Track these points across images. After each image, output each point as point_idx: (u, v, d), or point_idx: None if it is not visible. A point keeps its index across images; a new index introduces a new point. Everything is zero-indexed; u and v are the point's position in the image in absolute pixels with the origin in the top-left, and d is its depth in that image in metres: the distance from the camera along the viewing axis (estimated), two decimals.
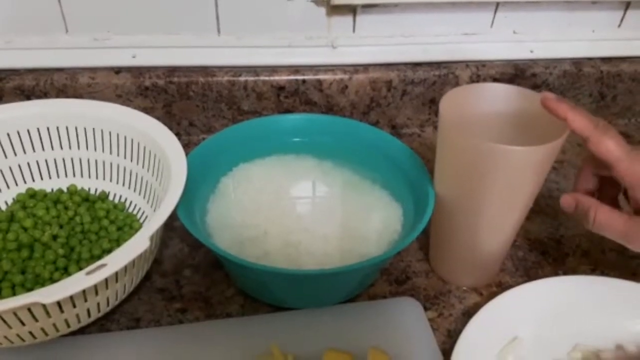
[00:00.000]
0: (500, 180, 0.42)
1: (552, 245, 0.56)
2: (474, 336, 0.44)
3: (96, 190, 0.54)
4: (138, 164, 0.52)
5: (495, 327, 0.45)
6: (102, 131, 0.52)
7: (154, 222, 0.40)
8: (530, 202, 0.45)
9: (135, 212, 0.53)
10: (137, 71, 0.64)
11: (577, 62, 0.71)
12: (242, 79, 0.64)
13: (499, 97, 0.48)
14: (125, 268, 0.40)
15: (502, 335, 0.45)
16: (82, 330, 0.44)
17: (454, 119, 0.44)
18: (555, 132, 0.42)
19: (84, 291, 0.38)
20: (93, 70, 0.64)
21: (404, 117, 0.71)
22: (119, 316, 0.47)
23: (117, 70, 0.64)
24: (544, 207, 0.61)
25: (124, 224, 0.51)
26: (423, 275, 0.52)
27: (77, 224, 0.50)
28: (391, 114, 0.70)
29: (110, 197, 0.54)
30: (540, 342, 0.45)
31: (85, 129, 0.52)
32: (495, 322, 0.45)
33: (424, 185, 0.48)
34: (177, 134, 0.50)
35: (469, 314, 0.48)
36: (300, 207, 0.51)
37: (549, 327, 0.46)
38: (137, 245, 0.38)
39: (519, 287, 0.47)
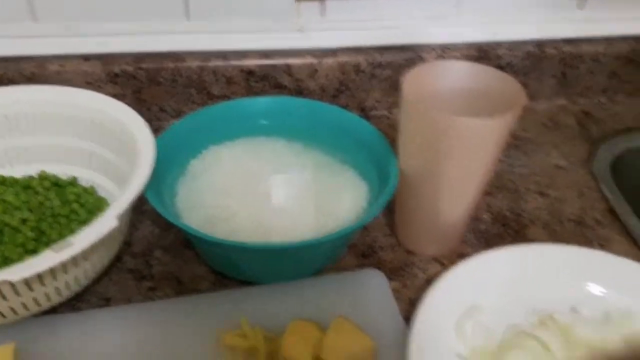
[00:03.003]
0: (459, 152, 0.44)
1: (513, 218, 0.58)
2: (434, 303, 0.46)
3: (66, 175, 0.55)
4: (107, 148, 0.52)
5: (455, 294, 0.47)
6: (70, 117, 0.53)
7: (121, 202, 0.41)
8: (488, 172, 0.47)
9: (105, 196, 0.54)
10: (107, 58, 0.64)
11: (540, 44, 0.73)
12: (211, 64, 0.65)
13: (459, 74, 0.50)
14: (93, 247, 0.41)
15: (461, 301, 0.47)
16: (53, 310, 0.45)
17: (415, 96, 0.46)
18: (510, 106, 0.44)
19: (52, 270, 0.39)
20: (62, 58, 0.64)
21: (372, 100, 0.72)
22: (89, 296, 0.48)
23: (86, 58, 0.64)
24: (506, 182, 0.63)
25: (94, 207, 0.51)
26: (389, 249, 0.54)
27: (47, 208, 0.50)
28: (360, 97, 0.72)
29: (81, 182, 0.55)
30: (499, 308, 0.48)
31: (53, 114, 0.53)
32: (455, 289, 0.47)
33: (388, 162, 0.49)
34: (148, 120, 0.50)
35: (431, 283, 0.50)
36: (270, 188, 0.52)
37: (507, 293, 0.49)
38: (104, 224, 0.39)
39: (478, 256, 0.49)
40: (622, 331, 0.45)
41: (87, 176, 0.55)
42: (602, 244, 0.56)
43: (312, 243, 0.42)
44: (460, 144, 0.44)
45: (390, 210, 0.55)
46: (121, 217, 0.40)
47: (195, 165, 0.52)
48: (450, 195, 0.48)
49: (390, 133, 0.70)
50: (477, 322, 0.46)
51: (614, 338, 0.45)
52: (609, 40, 0.74)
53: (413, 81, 0.47)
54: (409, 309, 0.48)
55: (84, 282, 0.44)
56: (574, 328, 0.45)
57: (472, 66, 0.49)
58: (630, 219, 0.59)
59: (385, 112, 0.73)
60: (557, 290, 0.49)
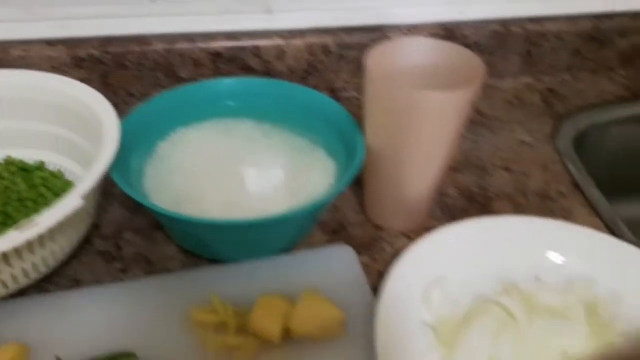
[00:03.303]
0: (422, 126, 0.45)
1: (479, 193, 0.59)
2: (402, 275, 0.47)
3: (34, 160, 0.54)
4: (74, 132, 0.52)
5: (422, 265, 0.48)
6: (37, 101, 0.52)
7: (86, 182, 0.41)
8: (452, 147, 0.48)
9: (73, 179, 0.54)
10: (72, 43, 0.64)
11: (505, 23, 0.74)
12: (178, 47, 0.65)
13: (421, 51, 0.50)
14: (60, 227, 0.41)
15: (428, 273, 0.48)
16: (22, 293, 0.45)
17: (379, 73, 0.46)
18: (472, 80, 0.45)
19: (18, 250, 0.39)
20: (26, 43, 0.63)
21: (341, 81, 0.73)
22: (59, 279, 0.48)
23: (51, 43, 0.64)
24: (472, 159, 0.64)
25: (62, 191, 0.51)
26: (358, 226, 0.55)
27: (14, 192, 0.50)
28: (329, 79, 0.72)
29: (49, 167, 0.54)
30: (465, 278, 0.49)
31: (19, 99, 0.52)
32: (422, 261, 0.48)
33: (355, 140, 0.50)
34: (116, 105, 0.50)
35: (399, 256, 0.51)
36: (239, 168, 0.52)
37: (472, 264, 0.50)
38: (69, 204, 0.39)
39: (444, 228, 0.51)
40: (583, 297, 0.47)
41: (55, 160, 0.55)
42: (566, 216, 0.57)
43: (278, 218, 0.43)
44: (423, 119, 0.45)
45: (359, 187, 0.56)
46: (86, 197, 0.40)
47: (163, 147, 0.52)
48: (415, 170, 0.49)
49: (359, 114, 0.70)
50: (444, 292, 0.47)
51: (575, 304, 0.46)
52: (572, 19, 0.75)
53: (377, 59, 0.48)
54: (377, 281, 0.49)
55: (53, 263, 0.44)
56: (537, 295, 0.47)
57: (434, 43, 0.50)
58: (593, 192, 0.60)
59: (355, 94, 0.73)
60: (521, 260, 0.50)
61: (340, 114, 0.53)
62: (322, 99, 0.55)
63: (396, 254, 0.52)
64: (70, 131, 0.52)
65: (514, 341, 0.42)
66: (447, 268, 0.49)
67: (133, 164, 0.49)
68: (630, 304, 0.47)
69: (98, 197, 0.49)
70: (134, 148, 0.49)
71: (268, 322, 0.42)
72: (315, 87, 0.71)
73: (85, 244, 0.50)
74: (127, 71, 0.65)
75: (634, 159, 0.77)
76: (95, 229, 0.52)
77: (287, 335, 0.43)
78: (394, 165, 0.49)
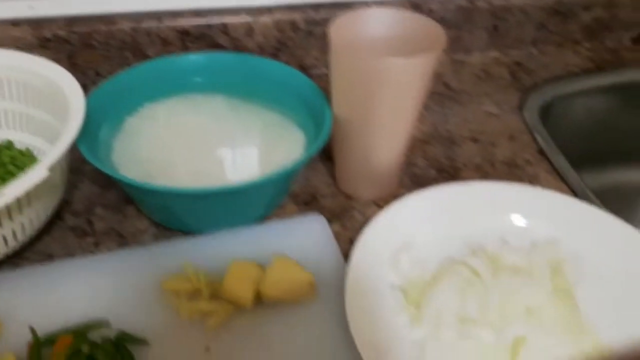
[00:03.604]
0: (386, 93, 0.46)
1: (447, 163, 0.61)
2: (371, 239, 0.48)
3: (1, 139, 0.54)
4: (42, 109, 0.52)
5: (391, 230, 0.49)
6: (3, 79, 0.52)
7: (52, 153, 0.41)
8: (415, 113, 0.49)
9: (42, 158, 0.53)
10: (36, 23, 0.63)
11: None
12: (144, 25, 0.65)
13: (384, 21, 0.51)
14: (27, 198, 0.41)
15: (397, 237, 0.49)
16: None
17: (343, 42, 0.47)
18: (434, 48, 0.46)
19: None
20: None
21: (311, 58, 0.73)
22: (31, 254, 0.48)
23: (15, 23, 0.63)
24: (441, 131, 0.65)
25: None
26: (329, 196, 0.56)
27: None
28: (299, 55, 0.72)
29: (17, 146, 0.54)
30: (433, 242, 0.50)
31: None
32: (391, 226, 0.49)
33: (323, 111, 0.51)
34: (84, 85, 0.50)
35: (369, 222, 0.52)
36: (208, 141, 0.52)
37: (440, 229, 0.51)
38: (35, 175, 0.39)
39: (412, 195, 0.52)
40: (547, 257, 0.48)
41: (23, 139, 0.54)
42: (532, 182, 0.59)
43: (248, 185, 0.43)
44: (387, 86, 0.45)
45: (329, 160, 0.57)
46: (52, 169, 0.40)
47: (131, 122, 0.52)
48: (382, 138, 0.50)
49: (330, 90, 0.72)
50: (412, 256, 0.48)
51: (539, 263, 0.48)
52: None
53: (340, 29, 0.48)
54: (348, 248, 0.50)
55: (22, 238, 0.44)
56: (502, 256, 0.48)
57: (396, 13, 0.51)
58: (558, 158, 0.62)
59: (325, 70, 0.74)
60: (487, 224, 0.52)
61: (307, 86, 0.54)
62: (289, 72, 0.55)
63: (366, 221, 0.52)
64: (36, 109, 0.52)
65: (479, 298, 0.44)
66: (416, 232, 0.50)
67: (101, 138, 0.49)
68: (593, 262, 0.49)
69: (66, 172, 0.49)
70: (101, 123, 0.49)
71: (240, 287, 0.42)
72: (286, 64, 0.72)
73: (56, 220, 0.51)
74: (94, 51, 0.65)
75: (598, 130, 0.80)
76: (66, 205, 0.52)
77: (259, 300, 0.44)
78: (361, 134, 0.50)
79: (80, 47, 0.64)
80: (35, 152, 0.54)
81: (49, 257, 0.48)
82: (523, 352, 0.41)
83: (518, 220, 0.52)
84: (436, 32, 0.48)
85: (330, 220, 0.52)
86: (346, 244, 0.51)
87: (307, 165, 0.58)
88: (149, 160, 0.49)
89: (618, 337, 0.44)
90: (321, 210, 0.54)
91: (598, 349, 0.43)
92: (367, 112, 0.48)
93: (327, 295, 0.45)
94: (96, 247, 0.49)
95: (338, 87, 0.49)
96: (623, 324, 0.45)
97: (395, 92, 0.46)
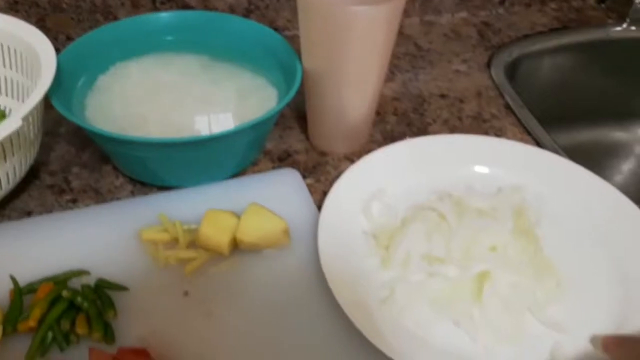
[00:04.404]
0: (354, 42, 0.47)
1: (416, 118, 0.62)
2: (343, 189, 0.50)
3: None
4: (16, 70, 0.52)
5: (362, 180, 0.51)
6: None
7: (26, 104, 0.42)
8: (383, 65, 0.51)
9: None
10: None
11: None
12: None
13: None
14: (3, 151, 0.41)
15: (368, 187, 0.51)
16: None
17: None
18: None
19: None
20: None
21: (283, 19, 0.74)
22: (9, 211, 0.49)
23: None
24: (411, 88, 0.67)
25: None
26: (303, 152, 0.57)
27: None
28: (271, 17, 0.73)
29: None
30: (403, 192, 0.52)
31: None
32: (362, 176, 0.51)
33: (294, 65, 0.52)
34: (56, 50, 0.50)
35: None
36: (181, 99, 0.53)
37: (410, 179, 0.53)
38: (9, 124, 0.40)
39: (383, 148, 0.54)
40: (510, 201, 0.51)
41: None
42: (499, 135, 0.61)
43: (216, 136, 0.44)
44: (354, 34, 0.47)
45: (303, 119, 0.58)
46: (26, 119, 0.40)
47: (104, 80, 0.53)
48: (351, 89, 0.51)
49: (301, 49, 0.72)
50: (383, 203, 0.50)
51: (503, 206, 0.50)
52: None
53: None
54: (322, 199, 0.52)
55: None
56: (468, 200, 0.50)
57: None
58: (523, 111, 0.64)
59: (296, 32, 0.74)
60: (454, 173, 0.54)
61: (278, 43, 0.55)
62: (259, 29, 0.56)
63: (339, 175, 0.54)
64: (10, 69, 0.52)
65: (445, 239, 0.46)
66: (386, 182, 0.52)
67: (74, 96, 0.50)
68: (555, 205, 0.52)
69: (41, 129, 0.49)
70: (74, 80, 0.50)
71: (216, 234, 0.44)
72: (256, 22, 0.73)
73: (33, 179, 0.51)
74: (64, 14, 0.65)
75: (565, 88, 0.82)
76: (42, 165, 0.53)
77: (235, 247, 0.45)
78: (331, 87, 0.51)
79: (50, 10, 0.64)
80: (8, 113, 0.54)
81: (27, 214, 0.49)
82: (487, 287, 0.43)
83: (483, 169, 0.55)
84: None
85: (304, 176, 0.54)
86: (320, 196, 0.52)
87: (280, 121, 0.60)
88: (122, 117, 0.50)
89: (578, 275, 0.46)
90: (295, 166, 0.56)
91: (560, 285, 0.46)
92: (336, 63, 0.49)
93: (301, 242, 0.47)
94: (74, 203, 0.50)
95: (307, 39, 0.50)
96: (583, 262, 0.48)
97: (363, 42, 0.47)
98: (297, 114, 0.61)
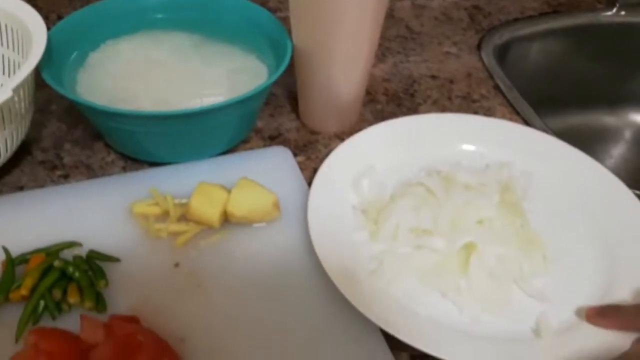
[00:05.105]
0: (344, 18, 0.48)
1: (407, 98, 0.63)
2: (333, 165, 0.50)
3: None
4: (4, 45, 0.52)
5: (353, 158, 0.52)
6: None
7: (16, 77, 0.42)
8: (373, 39, 0.51)
9: None
10: None
11: None
12: None
13: None
14: None
15: (358, 164, 0.52)
16: None
17: None
18: None
19: None
20: None
21: (275, 1, 0.74)
22: (1, 186, 0.49)
23: None
24: (401, 69, 0.67)
25: None
26: (294, 131, 0.58)
27: None
28: None
29: None
30: (392, 168, 0.53)
31: None
32: (352, 153, 0.52)
33: (284, 43, 0.52)
34: (48, 29, 0.50)
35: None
36: (171, 75, 0.53)
37: (399, 157, 0.54)
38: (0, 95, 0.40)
39: (373, 126, 0.54)
40: (498, 177, 0.51)
41: None
42: (487, 114, 0.62)
43: (206, 109, 0.45)
44: (342, 10, 0.47)
45: (294, 98, 0.59)
46: (16, 91, 0.41)
47: (95, 57, 0.53)
48: (341, 67, 0.52)
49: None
50: (372, 179, 0.51)
51: (490, 182, 0.51)
52: None
53: None
54: (312, 176, 0.52)
55: None
56: (455, 176, 0.50)
57: None
58: (512, 93, 0.65)
59: (288, 13, 0.75)
60: (443, 151, 0.55)
61: (268, 20, 0.55)
62: (249, 6, 0.56)
63: (330, 153, 0.55)
64: (1, 46, 0.52)
65: (433, 213, 0.47)
66: (376, 160, 0.53)
67: (65, 71, 0.50)
68: (542, 181, 0.52)
69: (32, 104, 0.49)
70: (65, 56, 0.50)
71: (207, 207, 0.44)
72: None
73: (25, 155, 0.52)
74: None
75: (555, 73, 0.83)
76: (34, 142, 0.53)
77: (226, 220, 0.46)
78: (321, 65, 0.51)
79: None
80: None
81: (19, 188, 0.49)
82: (474, 259, 0.44)
83: (471, 147, 0.55)
84: None
85: (295, 154, 0.54)
86: (310, 174, 0.53)
87: (271, 101, 0.60)
88: (113, 92, 0.50)
89: (564, 248, 0.47)
90: (286, 144, 0.56)
91: (546, 258, 0.46)
92: (325, 40, 0.49)
93: (291, 216, 0.48)
94: (65, 179, 0.50)
95: (296, 16, 0.51)
96: (569, 236, 0.48)
97: (352, 18, 0.48)
98: (288, 93, 0.61)
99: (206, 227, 0.45)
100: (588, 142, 0.91)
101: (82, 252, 0.43)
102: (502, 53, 0.74)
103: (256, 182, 0.47)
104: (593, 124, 0.90)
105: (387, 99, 0.63)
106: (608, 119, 0.90)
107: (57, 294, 0.39)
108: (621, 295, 0.44)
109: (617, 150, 0.90)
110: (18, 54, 0.51)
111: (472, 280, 0.44)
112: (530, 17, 0.79)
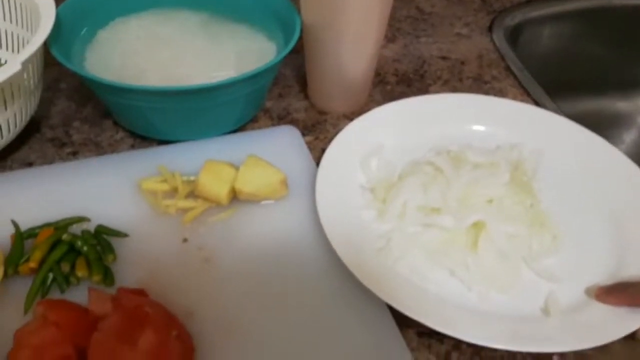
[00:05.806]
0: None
1: (417, 79, 0.62)
2: (343, 144, 0.50)
3: None
4: (13, 22, 0.52)
5: (361, 138, 0.51)
6: None
7: (25, 50, 0.42)
8: (383, 19, 0.50)
9: None
10: None
11: None
12: None
13: None
14: (4, 98, 0.42)
15: (367, 144, 0.51)
16: None
17: None
18: None
19: None
20: None
21: None
22: (11, 162, 0.49)
23: None
24: (412, 50, 0.67)
25: None
26: (302, 111, 0.57)
27: None
28: None
29: None
30: (401, 148, 0.52)
31: None
32: (361, 132, 0.51)
33: (293, 21, 0.52)
34: (57, 6, 0.50)
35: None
36: (180, 53, 0.53)
37: (408, 136, 0.53)
38: (9, 68, 0.40)
39: (383, 106, 0.54)
40: (508, 156, 0.51)
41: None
42: (498, 95, 0.61)
43: (217, 85, 0.45)
44: None
45: (302, 77, 0.58)
46: (25, 64, 0.41)
47: (103, 34, 0.53)
48: (350, 46, 0.51)
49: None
50: (381, 159, 0.51)
51: (500, 161, 0.50)
52: None
53: None
54: (320, 156, 0.52)
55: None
56: (465, 155, 0.50)
57: None
58: (523, 74, 0.64)
59: None
60: (453, 131, 0.54)
61: None
62: None
63: (338, 133, 0.55)
64: (10, 23, 0.52)
65: (442, 191, 0.46)
66: (385, 139, 0.52)
67: (74, 48, 0.50)
68: (552, 159, 0.52)
69: (41, 80, 0.49)
70: (73, 33, 0.50)
71: (215, 184, 0.44)
72: None
73: (34, 133, 0.52)
74: None
75: (565, 55, 0.81)
76: (43, 119, 0.53)
77: (234, 197, 0.46)
78: (330, 44, 0.51)
79: None
80: None
81: (28, 165, 0.49)
82: (483, 237, 0.44)
83: (482, 127, 0.55)
84: None
85: (303, 134, 0.54)
86: (318, 153, 0.53)
87: (280, 81, 0.60)
88: (121, 69, 0.50)
89: (574, 228, 0.47)
90: (295, 124, 0.56)
91: (555, 238, 0.46)
92: (334, 19, 0.49)
93: (299, 194, 0.47)
94: (74, 156, 0.50)
95: None
96: (579, 216, 0.48)
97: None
98: (296, 73, 0.61)
99: (214, 204, 0.45)
100: (600, 127, 0.89)
101: (91, 227, 0.43)
102: (514, 35, 0.73)
103: (264, 159, 0.47)
104: (605, 109, 0.89)
105: (397, 80, 0.62)
106: (621, 104, 0.89)
107: (65, 267, 0.39)
108: (630, 274, 0.43)
109: (630, 136, 0.89)
110: (27, 30, 0.51)
111: (481, 259, 0.43)
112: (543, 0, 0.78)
